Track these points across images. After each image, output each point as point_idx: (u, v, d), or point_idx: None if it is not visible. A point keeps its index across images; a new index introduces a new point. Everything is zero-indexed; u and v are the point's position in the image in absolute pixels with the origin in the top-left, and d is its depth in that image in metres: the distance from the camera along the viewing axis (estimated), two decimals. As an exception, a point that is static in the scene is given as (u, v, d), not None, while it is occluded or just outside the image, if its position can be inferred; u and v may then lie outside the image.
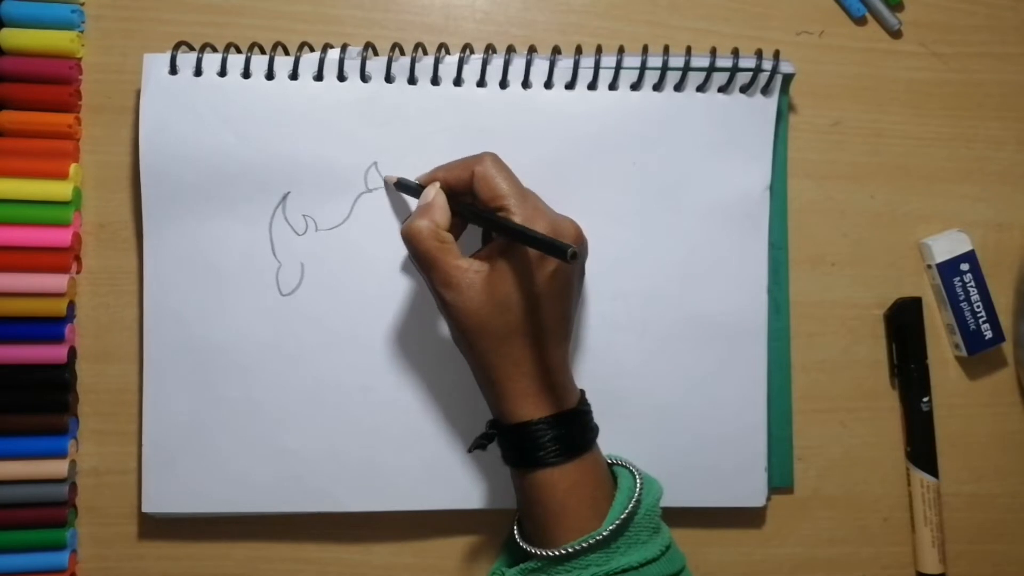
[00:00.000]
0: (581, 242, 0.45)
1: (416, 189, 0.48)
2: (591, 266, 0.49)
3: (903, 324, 0.54)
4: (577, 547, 0.43)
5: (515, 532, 0.47)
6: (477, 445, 0.47)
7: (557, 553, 0.43)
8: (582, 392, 0.47)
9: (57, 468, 0.48)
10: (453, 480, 0.50)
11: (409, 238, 0.45)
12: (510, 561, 0.47)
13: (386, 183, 0.50)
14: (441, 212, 0.45)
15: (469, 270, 0.44)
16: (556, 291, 0.44)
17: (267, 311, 0.49)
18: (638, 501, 0.44)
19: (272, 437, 0.49)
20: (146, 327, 0.49)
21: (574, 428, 0.45)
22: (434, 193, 0.46)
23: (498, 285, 0.43)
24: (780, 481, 0.53)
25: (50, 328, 0.49)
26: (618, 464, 0.48)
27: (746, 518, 0.53)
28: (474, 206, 0.46)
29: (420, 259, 0.45)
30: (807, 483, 0.54)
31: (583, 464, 0.44)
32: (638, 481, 0.45)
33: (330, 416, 0.50)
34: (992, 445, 0.55)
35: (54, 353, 0.48)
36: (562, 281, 0.44)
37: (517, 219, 0.43)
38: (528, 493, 0.45)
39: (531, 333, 0.44)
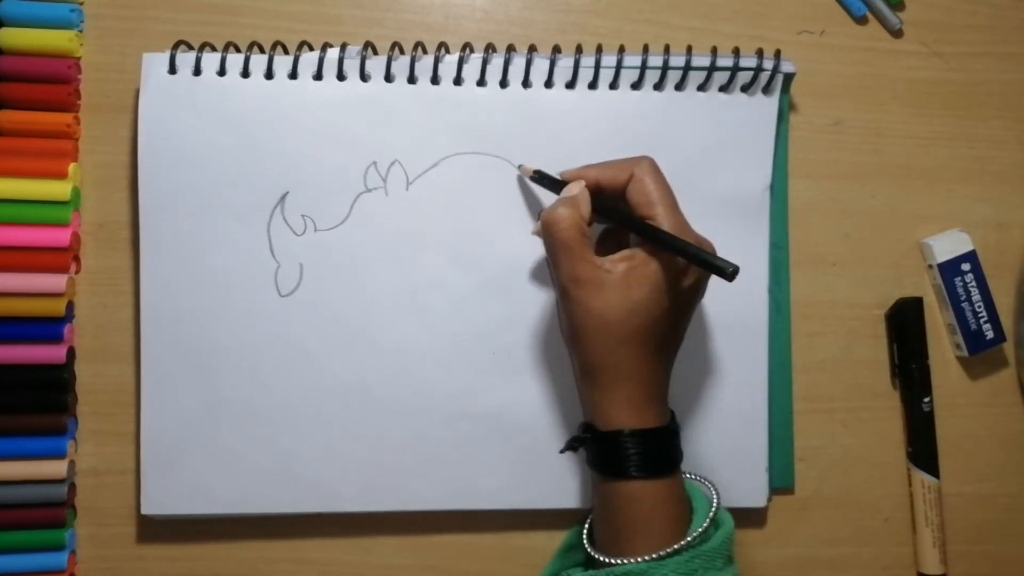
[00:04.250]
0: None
1: (555, 183, 0.48)
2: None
3: (904, 324, 0.54)
4: (663, 553, 0.42)
5: (584, 539, 0.46)
6: (569, 447, 0.47)
7: (646, 559, 0.42)
8: (672, 412, 0.46)
9: (56, 468, 0.48)
10: (453, 480, 0.50)
11: (550, 224, 0.44)
12: (567, 564, 0.47)
13: (522, 174, 0.49)
14: (586, 206, 0.45)
15: (602, 268, 0.43)
16: (684, 306, 0.44)
17: (266, 312, 0.49)
18: (713, 521, 0.44)
19: (271, 437, 0.49)
20: (144, 327, 0.49)
21: (665, 445, 0.45)
22: (580, 188, 0.46)
23: (632, 289, 0.43)
24: (781, 481, 0.53)
25: (49, 328, 0.48)
26: (694, 479, 0.47)
27: (747, 518, 0.53)
28: (623, 208, 0.45)
29: (556, 247, 0.44)
30: (808, 483, 0.54)
31: (671, 483, 0.44)
32: (714, 502, 0.45)
33: (329, 416, 0.50)
34: (993, 445, 0.55)
35: (53, 353, 0.48)
36: (692, 297, 0.45)
37: (667, 229, 0.43)
38: (612, 501, 0.44)
39: (648, 343, 0.44)
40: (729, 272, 0.40)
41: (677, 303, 0.44)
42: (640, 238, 0.45)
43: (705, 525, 0.44)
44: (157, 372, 0.49)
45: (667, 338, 0.45)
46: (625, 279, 0.43)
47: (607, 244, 0.48)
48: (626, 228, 0.46)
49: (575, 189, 0.46)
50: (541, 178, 0.49)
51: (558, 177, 0.48)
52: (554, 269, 0.45)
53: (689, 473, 0.48)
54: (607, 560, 0.44)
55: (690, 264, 0.43)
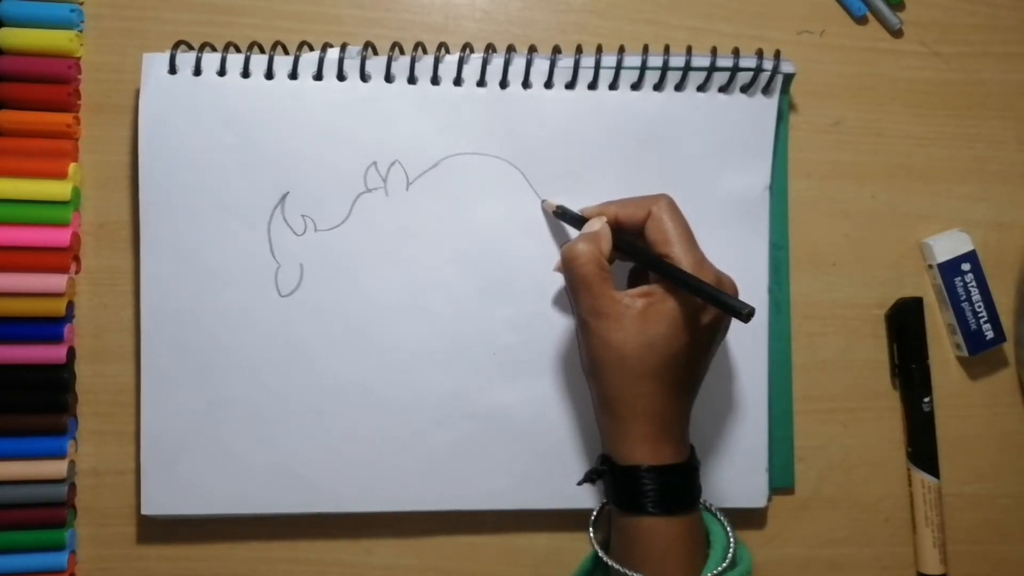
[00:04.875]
0: (737, 294, 0.46)
1: (576, 219, 0.48)
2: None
3: (904, 324, 0.54)
4: None
5: (606, 559, 0.46)
6: (587, 479, 0.46)
7: None
8: (692, 448, 0.46)
9: (56, 468, 0.48)
10: (453, 480, 0.50)
11: (570, 259, 0.45)
12: None
13: (544, 209, 0.50)
14: (606, 242, 0.46)
15: (621, 303, 0.44)
16: (703, 344, 0.45)
17: (266, 312, 0.49)
18: (732, 562, 0.44)
19: (271, 438, 0.49)
20: (144, 327, 0.49)
21: (684, 482, 0.45)
22: (601, 224, 0.46)
23: (649, 325, 0.43)
24: (781, 481, 0.53)
25: (49, 328, 0.48)
26: (709, 511, 0.47)
27: (747, 519, 0.53)
28: (641, 245, 0.46)
29: (576, 282, 0.45)
30: (808, 483, 0.54)
31: (688, 520, 0.44)
32: (731, 542, 0.45)
33: (329, 417, 0.50)
34: (993, 445, 0.55)
35: (53, 353, 0.48)
36: (711, 334, 0.45)
37: (684, 267, 0.43)
38: (629, 535, 0.44)
39: (667, 378, 0.44)
40: (744, 313, 0.40)
41: (696, 340, 0.44)
42: (664, 276, 0.45)
43: (723, 567, 0.44)
44: (157, 372, 0.49)
45: (686, 375, 0.45)
46: (643, 314, 0.43)
47: (636, 282, 0.48)
48: (644, 265, 0.46)
49: (596, 225, 0.46)
50: (563, 214, 0.49)
51: (579, 213, 0.48)
52: (574, 303, 0.46)
53: (705, 501, 0.47)
54: None
55: (707, 303, 0.44)
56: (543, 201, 0.50)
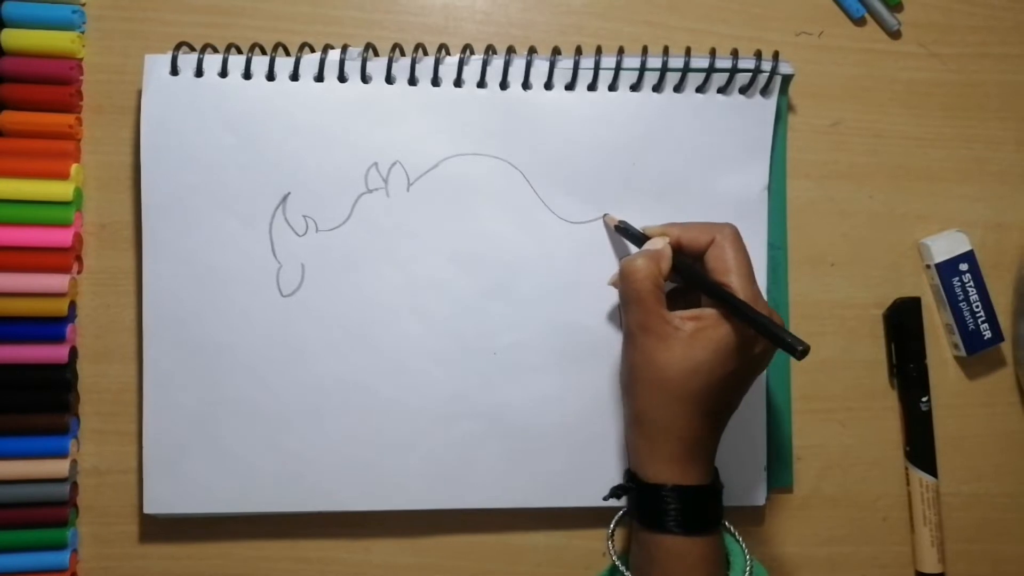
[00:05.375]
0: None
1: (637, 236, 0.48)
2: (591, 266, 0.50)
3: (902, 324, 0.54)
4: None
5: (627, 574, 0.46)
6: (613, 495, 0.47)
7: None
8: (716, 470, 0.47)
9: (58, 468, 0.49)
10: (453, 480, 0.50)
11: (629, 273, 0.45)
12: None
13: (606, 224, 0.50)
14: (666, 262, 0.46)
15: (671, 323, 0.44)
16: (748, 373, 0.45)
17: (268, 312, 0.49)
18: None
19: (273, 437, 0.49)
20: (146, 327, 0.49)
21: (707, 504, 0.45)
22: (663, 244, 0.46)
23: (696, 350, 0.43)
24: (779, 481, 0.53)
25: (51, 328, 0.49)
26: (728, 531, 0.47)
27: (746, 517, 0.53)
28: (700, 271, 0.46)
29: (631, 297, 0.45)
30: (806, 482, 0.54)
31: (709, 540, 0.45)
32: (748, 561, 0.46)
33: (330, 416, 0.50)
34: (991, 445, 0.55)
35: (55, 353, 0.49)
36: (756, 365, 0.45)
37: (741, 296, 0.44)
38: (650, 552, 0.45)
39: (705, 404, 0.44)
40: (799, 351, 0.41)
41: (739, 371, 0.44)
42: (712, 301, 0.45)
43: None
44: (159, 372, 0.49)
45: (722, 403, 0.45)
46: (692, 338, 0.44)
47: (676, 303, 0.48)
48: (702, 291, 0.46)
49: (659, 244, 0.47)
50: (624, 230, 0.49)
51: (640, 231, 0.49)
52: (625, 316, 0.46)
53: (724, 522, 0.47)
54: None
55: (758, 335, 0.44)
56: (605, 215, 0.50)
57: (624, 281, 0.46)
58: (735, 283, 0.44)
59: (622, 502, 0.48)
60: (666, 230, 0.48)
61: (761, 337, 0.44)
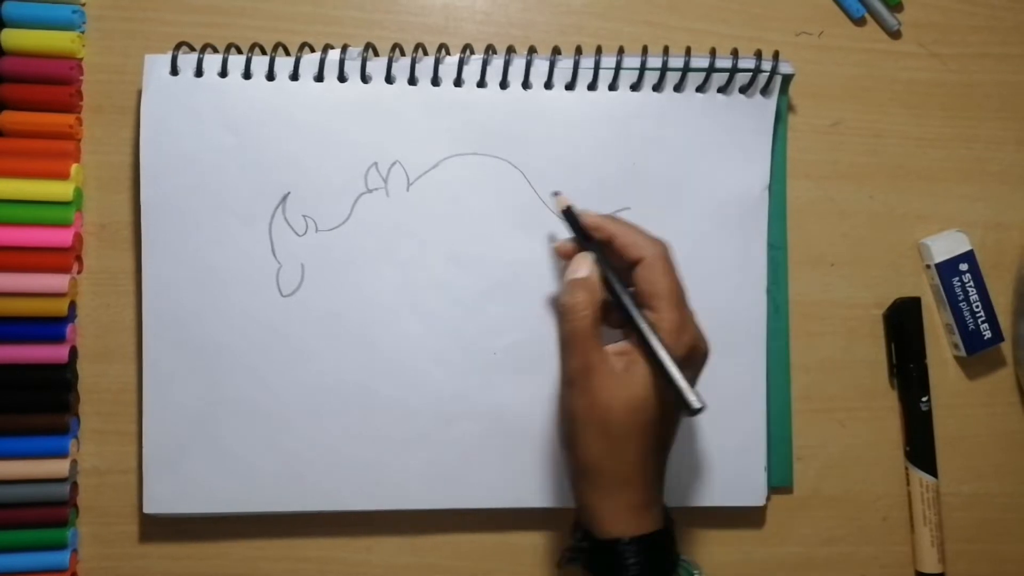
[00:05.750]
0: (704, 365, 0.44)
1: (577, 227, 0.46)
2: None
3: (902, 324, 0.54)
4: None
5: None
6: (569, 560, 0.45)
7: None
8: (666, 508, 0.45)
9: (58, 467, 0.49)
10: (453, 480, 0.50)
11: (568, 311, 0.43)
12: None
13: (555, 203, 0.49)
14: (598, 291, 0.44)
15: (608, 361, 0.42)
16: (675, 409, 0.43)
17: (267, 312, 0.49)
18: None
19: (273, 437, 0.50)
20: (146, 327, 0.49)
21: (663, 551, 0.43)
22: (589, 269, 0.44)
23: (629, 387, 0.42)
24: (779, 481, 0.53)
25: (51, 328, 0.49)
26: (683, 565, 0.46)
27: (746, 518, 0.53)
28: (626, 292, 0.44)
29: (572, 335, 0.43)
30: (806, 483, 0.54)
31: None
32: None
33: (330, 416, 0.50)
34: (991, 445, 0.55)
35: (55, 353, 0.49)
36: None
37: (665, 323, 0.42)
38: None
39: (648, 441, 0.42)
40: (695, 409, 0.39)
41: (671, 403, 0.42)
42: (637, 338, 0.43)
43: None
44: (159, 372, 0.49)
45: (664, 436, 0.44)
46: (624, 375, 0.42)
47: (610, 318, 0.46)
48: (624, 320, 0.44)
49: (585, 269, 0.44)
50: (569, 216, 0.47)
51: (582, 224, 0.46)
52: (566, 358, 0.43)
53: (681, 558, 0.46)
54: None
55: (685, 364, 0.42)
56: (555, 193, 0.49)
57: (566, 318, 0.43)
58: (662, 307, 0.42)
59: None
60: (603, 224, 0.45)
61: (692, 363, 0.43)
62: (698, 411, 0.40)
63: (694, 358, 0.43)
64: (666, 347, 0.42)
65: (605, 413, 0.42)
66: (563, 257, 0.46)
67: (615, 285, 0.44)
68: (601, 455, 0.42)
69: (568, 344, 0.43)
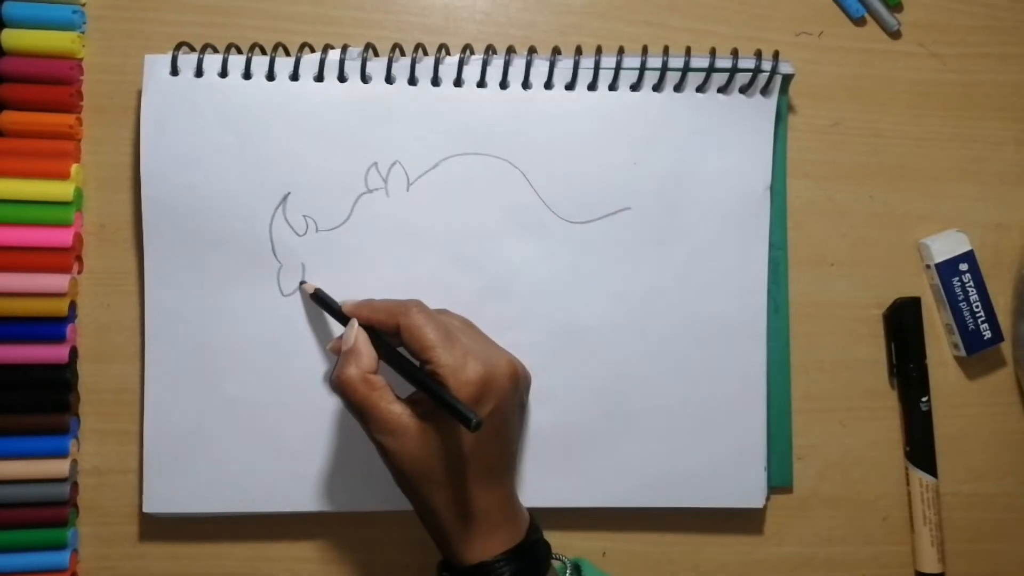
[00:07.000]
0: (516, 380, 0.45)
1: (334, 310, 0.47)
2: (591, 266, 0.50)
3: (902, 324, 0.54)
4: None
5: None
6: None
7: None
8: (531, 515, 0.46)
9: (58, 467, 0.49)
10: (453, 480, 0.50)
11: (340, 388, 0.43)
12: None
13: (302, 291, 0.49)
14: (368, 358, 0.44)
15: (403, 414, 0.43)
16: (494, 431, 0.43)
17: (268, 311, 0.49)
18: None
19: (273, 437, 0.50)
20: (147, 327, 0.49)
21: (531, 559, 0.44)
22: (355, 337, 0.44)
23: (434, 435, 0.42)
24: (779, 481, 0.53)
25: (51, 328, 0.49)
26: (558, 560, 0.47)
27: (745, 518, 0.53)
28: (399, 355, 0.44)
29: (354, 409, 0.43)
30: (806, 483, 0.54)
31: None
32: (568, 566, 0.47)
33: (331, 416, 0.50)
34: (991, 445, 0.55)
35: (55, 353, 0.49)
36: (499, 421, 0.43)
37: (443, 369, 0.42)
38: None
39: (473, 474, 0.43)
40: (472, 424, 0.39)
41: (487, 431, 0.43)
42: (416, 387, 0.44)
43: None
44: (159, 372, 0.49)
45: (493, 464, 0.44)
46: (423, 426, 0.42)
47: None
48: (402, 375, 0.44)
49: (351, 339, 0.44)
50: (320, 299, 0.48)
51: (336, 303, 0.47)
52: (362, 426, 0.44)
53: (556, 556, 0.48)
54: None
55: (480, 392, 0.42)
56: (302, 283, 0.49)
57: (342, 397, 0.43)
58: (438, 356, 0.42)
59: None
60: (356, 310, 0.46)
61: (493, 387, 0.43)
62: (477, 425, 0.39)
63: (494, 384, 0.43)
64: (449, 386, 0.42)
65: (418, 463, 0.43)
66: (337, 353, 0.46)
67: (383, 349, 0.45)
68: (431, 498, 0.43)
69: (358, 416, 0.44)
